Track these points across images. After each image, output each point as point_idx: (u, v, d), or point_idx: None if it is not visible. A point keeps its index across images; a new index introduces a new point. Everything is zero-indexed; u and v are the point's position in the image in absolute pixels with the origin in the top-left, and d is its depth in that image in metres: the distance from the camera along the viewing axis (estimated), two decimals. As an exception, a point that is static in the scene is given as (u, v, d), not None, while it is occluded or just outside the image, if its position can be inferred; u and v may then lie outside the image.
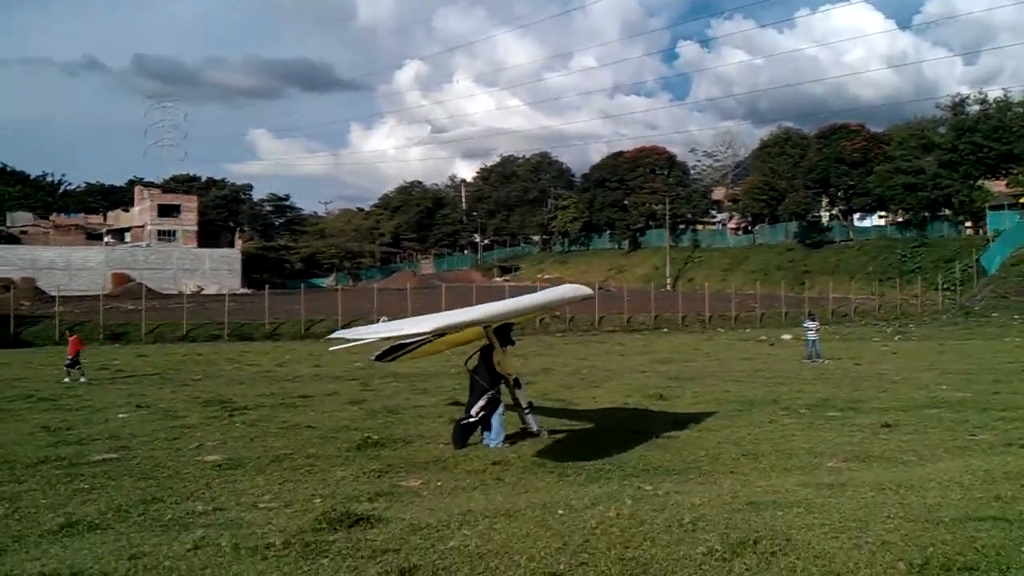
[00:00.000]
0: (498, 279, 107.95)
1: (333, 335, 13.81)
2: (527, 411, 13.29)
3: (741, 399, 18.86)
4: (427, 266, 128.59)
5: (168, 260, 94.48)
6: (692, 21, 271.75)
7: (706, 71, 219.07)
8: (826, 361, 31.13)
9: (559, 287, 14.42)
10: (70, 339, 27.07)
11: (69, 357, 26.09)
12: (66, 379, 25.16)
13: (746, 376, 25.27)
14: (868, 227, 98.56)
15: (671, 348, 40.86)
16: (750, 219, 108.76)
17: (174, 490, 10.01)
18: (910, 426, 14.44)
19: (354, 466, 11.33)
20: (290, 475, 10.90)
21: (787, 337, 46.23)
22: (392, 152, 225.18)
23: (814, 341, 32.34)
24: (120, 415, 17.20)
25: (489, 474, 10.71)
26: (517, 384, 13.23)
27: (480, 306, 14.84)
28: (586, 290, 13.83)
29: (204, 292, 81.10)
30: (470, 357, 13.44)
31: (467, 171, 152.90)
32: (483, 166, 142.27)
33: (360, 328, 15.74)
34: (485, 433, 12.87)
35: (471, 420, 12.81)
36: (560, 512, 7.84)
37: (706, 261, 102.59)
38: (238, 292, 79.27)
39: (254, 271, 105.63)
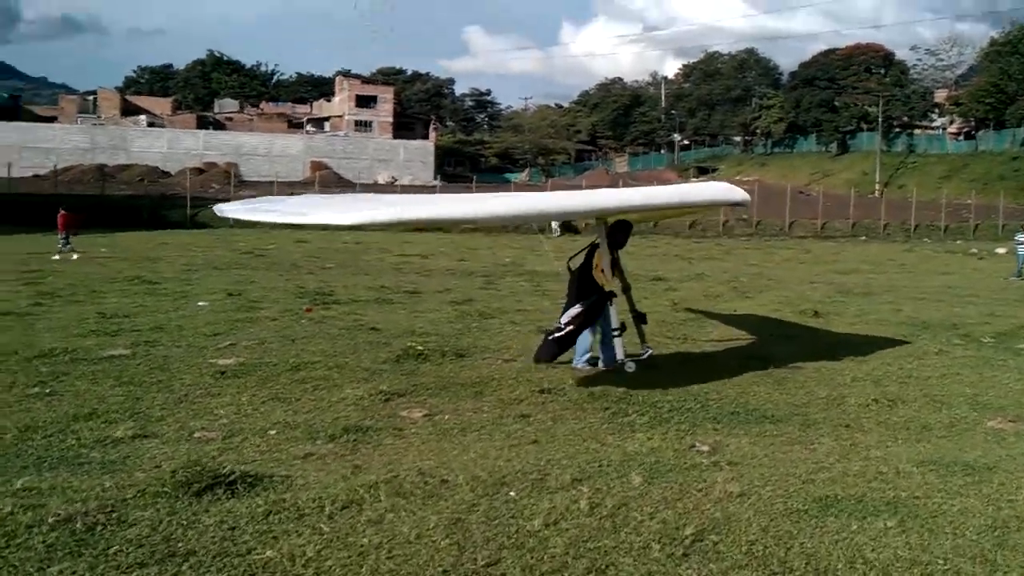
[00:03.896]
0: (694, 180, 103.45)
1: (223, 206, 10.74)
2: (615, 332, 10.20)
3: (914, 321, 15.57)
4: (621, 164, 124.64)
5: (364, 150, 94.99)
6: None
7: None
8: (1038, 280, 26.83)
9: (703, 185, 11.32)
10: (59, 216, 26.29)
11: (60, 233, 25.37)
12: (55, 256, 24.43)
13: (933, 293, 21.62)
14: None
15: (862, 258, 36.91)
16: (973, 124, 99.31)
17: (132, 403, 8.14)
18: (1123, 370, 11.00)
19: (371, 384, 9.17)
20: (288, 390, 8.87)
21: (1001, 251, 41.19)
22: (602, 50, 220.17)
23: (1026, 255, 28.02)
24: (200, 303, 15.73)
25: (521, 408, 8.25)
26: (609, 299, 10.26)
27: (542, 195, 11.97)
28: (739, 193, 10.89)
29: (397, 183, 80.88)
30: (576, 255, 10.86)
31: (675, 71, 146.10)
32: (685, 63, 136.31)
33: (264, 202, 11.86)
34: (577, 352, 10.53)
35: (559, 333, 10.36)
36: (512, 494, 5.37)
37: (920, 168, 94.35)
38: (430, 184, 78.66)
39: (448, 164, 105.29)
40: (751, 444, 7.02)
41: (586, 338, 10.42)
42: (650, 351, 10.61)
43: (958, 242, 52.26)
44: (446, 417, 7.85)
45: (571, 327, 10.22)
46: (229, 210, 10.43)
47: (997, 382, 10.07)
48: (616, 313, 10.12)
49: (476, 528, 4.87)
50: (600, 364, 10.36)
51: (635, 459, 6.29)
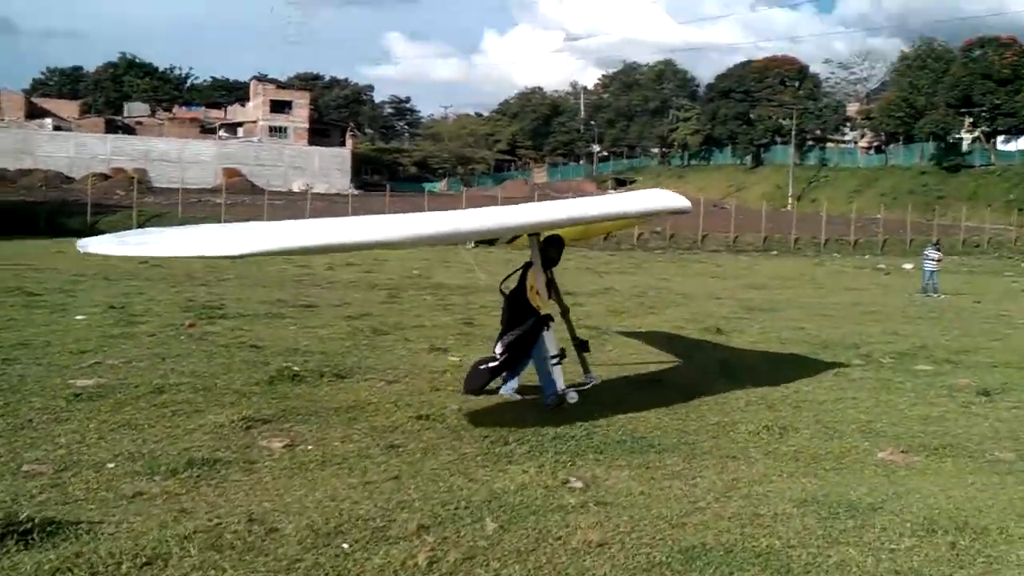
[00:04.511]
0: (612, 192, 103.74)
1: (86, 241, 9.10)
2: (554, 360, 9.23)
3: (815, 340, 15.39)
4: (540, 175, 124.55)
5: (278, 157, 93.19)
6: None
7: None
8: (942, 296, 27.12)
9: (643, 193, 10.26)
10: None
11: None
12: None
13: (838, 310, 21.60)
14: (1013, 152, 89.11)
15: (772, 272, 37.04)
16: (883, 138, 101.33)
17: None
18: (1019, 393, 10.83)
19: (236, 409, 8.52)
20: (144, 416, 8.19)
21: (908, 267, 41.74)
22: (523, 59, 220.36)
23: (932, 273, 28.39)
24: (78, 316, 14.83)
25: (393, 437, 7.70)
26: (545, 323, 9.33)
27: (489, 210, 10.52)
28: (680, 200, 9.63)
29: (313, 191, 79.49)
30: (508, 276, 9.92)
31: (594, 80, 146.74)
32: (604, 74, 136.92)
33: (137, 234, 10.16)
34: (506, 377, 9.74)
35: (492, 363, 9.48)
36: (345, 546, 4.80)
37: (832, 181, 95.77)
38: (345, 192, 77.49)
39: (366, 172, 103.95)
40: (630, 478, 6.57)
41: (544, 370, 9.43)
42: (594, 380, 9.82)
43: (867, 257, 52.95)
44: (308, 448, 7.26)
45: (506, 356, 9.39)
46: (94, 245, 8.88)
47: (892, 407, 9.81)
48: (554, 339, 9.26)
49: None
50: (543, 398, 9.39)
51: (499, 499, 5.79)
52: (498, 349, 9.46)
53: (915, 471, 7.10)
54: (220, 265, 26.45)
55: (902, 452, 7.65)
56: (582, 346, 9.97)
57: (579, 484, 6.26)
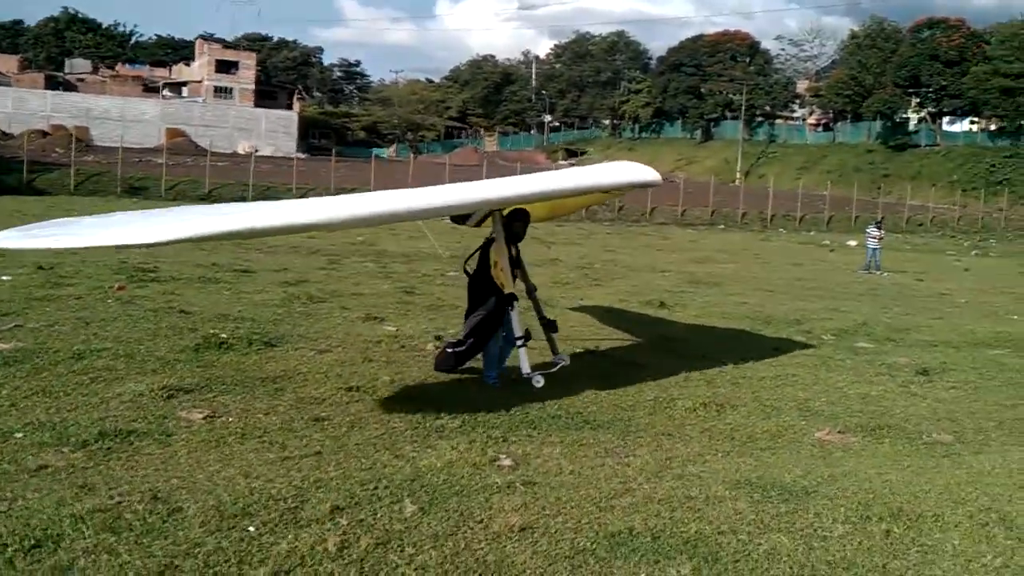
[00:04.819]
0: (563, 162, 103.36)
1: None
2: (520, 342, 8.80)
3: (756, 315, 15.32)
4: (491, 144, 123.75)
5: (223, 118, 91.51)
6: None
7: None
8: (885, 274, 27.30)
9: (615, 165, 9.68)
10: None
11: None
12: None
13: (782, 285, 21.62)
14: (957, 132, 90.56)
15: (718, 246, 37.06)
16: (832, 115, 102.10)
17: None
18: (958, 373, 10.80)
19: (158, 377, 8.19)
20: (61, 383, 7.81)
21: (852, 243, 42.08)
22: (476, 27, 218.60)
23: (874, 250, 28.57)
24: (3, 277, 14.27)
25: (320, 410, 7.42)
26: (509, 302, 8.81)
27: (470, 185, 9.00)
28: (651, 173, 9.38)
29: (258, 152, 78.19)
30: (471, 256, 9.38)
31: (547, 50, 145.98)
32: (557, 44, 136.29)
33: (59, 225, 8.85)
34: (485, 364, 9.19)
35: (459, 347, 9.10)
36: (252, 529, 4.51)
37: (780, 158, 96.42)
38: (292, 156, 76.24)
39: (313, 136, 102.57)
40: (561, 456, 6.36)
41: (493, 350, 9.05)
42: (562, 362, 9.41)
43: (812, 233, 53.36)
44: (229, 420, 6.95)
45: (471, 339, 8.98)
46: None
47: (831, 385, 9.71)
48: (519, 319, 8.77)
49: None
50: (485, 376, 9.03)
51: (423, 477, 5.54)
52: (464, 331, 9.12)
53: (851, 452, 6.97)
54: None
55: (839, 432, 7.53)
56: (550, 326, 9.60)
57: (508, 462, 6.04)
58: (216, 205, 10.45)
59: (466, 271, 9.36)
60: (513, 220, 9.13)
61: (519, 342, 8.71)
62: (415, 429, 6.94)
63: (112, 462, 5.73)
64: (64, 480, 5.26)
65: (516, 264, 9.22)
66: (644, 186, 9.49)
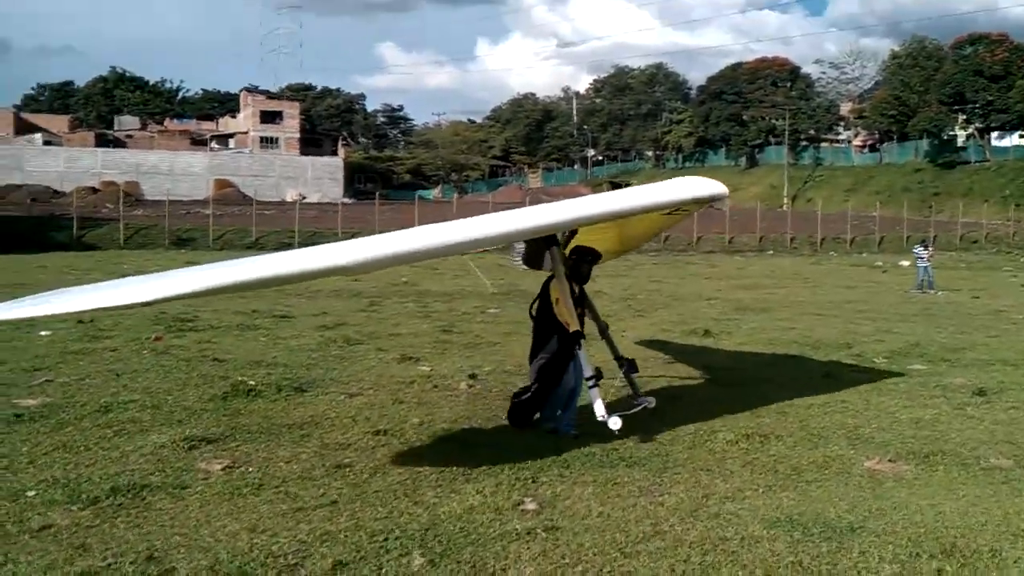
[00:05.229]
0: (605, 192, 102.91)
1: None
2: (591, 383, 7.90)
3: (805, 340, 14.85)
4: (535, 180, 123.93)
5: (270, 167, 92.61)
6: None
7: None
8: (939, 293, 26.55)
9: (675, 181, 8.40)
10: None
11: None
12: None
13: (831, 308, 21.05)
14: (1007, 147, 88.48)
15: (766, 272, 36.47)
16: (877, 136, 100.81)
17: None
18: (1017, 393, 10.28)
19: (183, 428, 8.02)
20: (83, 437, 7.69)
21: (905, 264, 41.12)
22: (516, 66, 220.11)
23: (925, 268, 27.84)
24: (43, 332, 14.29)
25: (344, 456, 7.16)
26: (575, 340, 8.06)
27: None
28: (717, 186, 8.24)
29: (306, 200, 78.86)
30: (535, 300, 8.71)
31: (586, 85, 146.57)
32: (596, 78, 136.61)
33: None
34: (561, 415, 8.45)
35: (524, 396, 8.49)
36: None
37: (828, 181, 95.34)
38: (338, 201, 76.78)
39: (359, 181, 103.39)
40: (592, 496, 6.04)
41: (562, 394, 8.37)
42: (645, 403, 8.50)
43: (863, 255, 52.44)
44: (249, 470, 6.72)
45: (536, 385, 8.33)
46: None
47: (883, 410, 9.25)
48: (587, 358, 7.97)
49: None
50: (561, 427, 8.26)
51: (439, 526, 5.25)
52: (531, 378, 8.51)
53: (903, 482, 6.54)
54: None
55: (890, 461, 7.10)
56: (630, 366, 8.79)
57: (533, 506, 5.72)
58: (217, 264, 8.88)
59: (531, 315, 8.68)
60: (581, 261, 8.58)
61: (590, 382, 7.86)
62: (440, 473, 6.65)
63: (120, 519, 5.51)
64: (64, 541, 5.05)
65: (581, 303, 8.56)
66: (710, 201, 8.43)
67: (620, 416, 7.67)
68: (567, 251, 8.73)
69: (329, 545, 4.85)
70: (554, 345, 8.22)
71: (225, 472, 6.63)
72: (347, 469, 6.73)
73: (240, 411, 8.77)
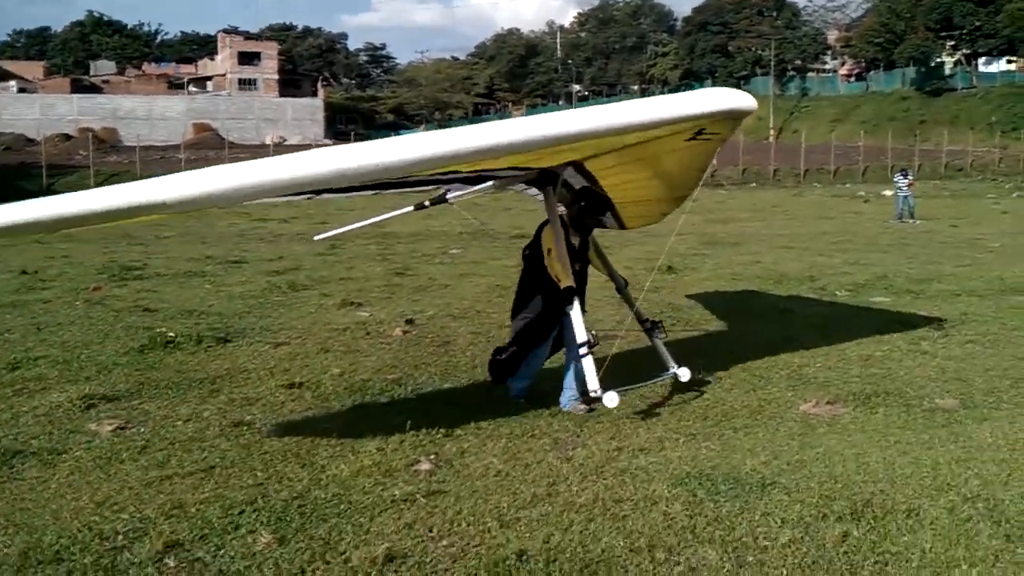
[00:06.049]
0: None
1: None
2: (583, 350, 6.50)
3: (769, 274, 14.43)
4: (519, 117, 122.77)
5: (249, 110, 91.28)
6: None
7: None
8: (917, 222, 26.12)
9: (699, 92, 5.95)
10: None
11: None
12: None
13: (805, 240, 20.60)
14: (994, 73, 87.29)
15: (746, 205, 36.03)
16: (864, 65, 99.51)
17: None
18: (978, 324, 9.86)
19: (89, 384, 7.51)
20: (-26, 399, 7.12)
21: (888, 194, 40.58)
22: (502, 0, 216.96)
23: (905, 198, 27.45)
24: (-22, 284, 13.76)
25: (247, 412, 6.67)
26: (568, 298, 6.68)
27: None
28: (746, 99, 5.78)
29: (286, 143, 77.87)
30: (529, 245, 7.25)
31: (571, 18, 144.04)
32: (580, 11, 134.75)
33: None
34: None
35: (500, 356, 7.21)
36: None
37: (814, 111, 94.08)
38: (318, 142, 75.72)
39: (340, 122, 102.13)
40: (501, 451, 5.58)
41: (540, 358, 7.27)
42: (674, 370, 7.19)
43: (847, 185, 51.91)
44: (141, 431, 6.22)
45: (514, 347, 7.11)
46: None
47: (833, 347, 8.79)
48: (581, 321, 6.61)
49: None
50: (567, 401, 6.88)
51: (309, 494, 4.74)
52: (510, 337, 7.31)
53: (835, 428, 6.07)
54: (169, 223, 25.10)
55: (828, 403, 6.63)
56: (655, 328, 7.51)
57: (427, 466, 5.23)
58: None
59: (523, 255, 7.31)
60: (585, 206, 7.08)
61: (582, 350, 6.49)
62: (345, 430, 6.15)
63: (-27, 492, 5.02)
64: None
65: (583, 253, 7.26)
66: (740, 115, 5.94)
67: (620, 393, 6.38)
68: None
69: (173, 521, 4.34)
70: (539, 303, 6.94)
71: (114, 434, 6.14)
72: (244, 427, 6.24)
73: (154, 365, 8.27)
